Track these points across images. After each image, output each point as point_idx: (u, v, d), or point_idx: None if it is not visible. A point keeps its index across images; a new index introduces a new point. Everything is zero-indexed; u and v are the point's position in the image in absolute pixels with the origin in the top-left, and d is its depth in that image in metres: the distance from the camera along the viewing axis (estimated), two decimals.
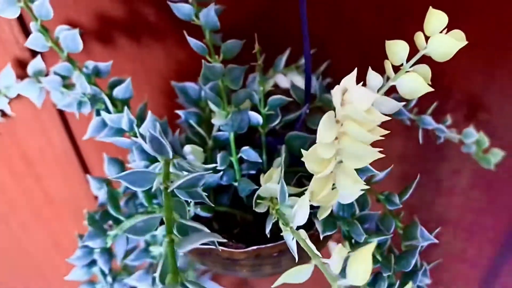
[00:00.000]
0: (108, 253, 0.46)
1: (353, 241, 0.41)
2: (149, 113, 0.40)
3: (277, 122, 0.42)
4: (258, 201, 0.37)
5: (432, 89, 0.36)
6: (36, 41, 0.44)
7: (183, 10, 0.41)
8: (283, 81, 0.49)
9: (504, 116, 0.59)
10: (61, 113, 0.64)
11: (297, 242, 0.34)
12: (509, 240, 0.75)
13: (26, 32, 0.55)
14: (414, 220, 0.43)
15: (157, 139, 0.33)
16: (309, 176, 0.42)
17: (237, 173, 0.42)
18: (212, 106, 0.42)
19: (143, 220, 0.30)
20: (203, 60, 0.40)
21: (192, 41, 0.41)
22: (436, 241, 0.42)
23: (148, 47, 0.56)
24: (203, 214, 0.41)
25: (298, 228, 0.34)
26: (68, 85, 0.48)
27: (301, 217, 0.33)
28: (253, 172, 0.42)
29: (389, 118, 0.33)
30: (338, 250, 0.30)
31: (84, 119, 0.65)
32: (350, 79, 0.32)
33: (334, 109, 0.46)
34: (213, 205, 0.36)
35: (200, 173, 0.32)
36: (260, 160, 0.41)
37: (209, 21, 0.40)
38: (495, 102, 0.58)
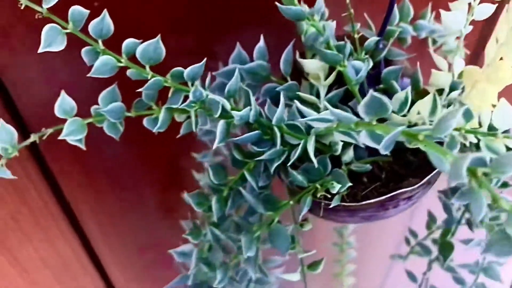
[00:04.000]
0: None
1: None
2: (281, 97, 0.38)
3: (371, 64, 0.43)
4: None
5: None
6: (104, 66, 0.37)
7: None
8: None
9: None
10: (41, 163, 0.54)
11: None
12: None
13: None
14: None
15: (378, 99, 0.32)
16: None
17: None
18: (318, 68, 0.41)
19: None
20: (312, 23, 0.39)
21: (290, 9, 0.39)
22: None
23: None
24: (357, 169, 0.42)
25: None
26: None
27: (508, 121, 0.36)
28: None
29: None
30: None
31: (67, 161, 0.55)
32: None
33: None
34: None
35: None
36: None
37: None
38: None
